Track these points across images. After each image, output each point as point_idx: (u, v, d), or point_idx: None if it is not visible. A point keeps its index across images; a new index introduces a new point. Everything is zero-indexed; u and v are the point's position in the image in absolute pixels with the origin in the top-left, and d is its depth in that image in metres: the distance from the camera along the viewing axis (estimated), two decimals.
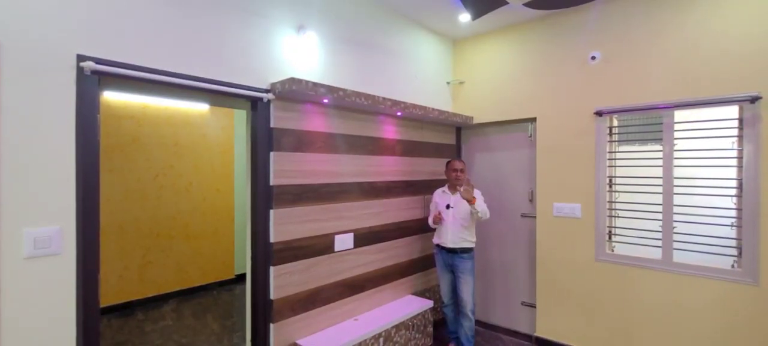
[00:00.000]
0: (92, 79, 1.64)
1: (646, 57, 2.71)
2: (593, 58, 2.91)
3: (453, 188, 2.99)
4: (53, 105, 1.56)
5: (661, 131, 2.67)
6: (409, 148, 3.25)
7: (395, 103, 2.74)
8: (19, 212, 1.49)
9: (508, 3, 2.78)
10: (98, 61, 1.63)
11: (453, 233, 2.92)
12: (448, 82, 3.73)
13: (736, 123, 2.44)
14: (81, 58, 1.60)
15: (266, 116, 2.26)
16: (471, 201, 2.74)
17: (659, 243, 2.68)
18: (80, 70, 1.60)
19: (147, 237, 4.17)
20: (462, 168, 2.96)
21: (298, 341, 2.37)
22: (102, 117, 1.77)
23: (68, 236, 1.61)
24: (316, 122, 2.52)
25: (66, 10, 1.59)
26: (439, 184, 3.34)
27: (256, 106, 2.24)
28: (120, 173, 3.96)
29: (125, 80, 1.77)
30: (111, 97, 3.83)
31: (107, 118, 3.81)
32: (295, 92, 2.21)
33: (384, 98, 2.66)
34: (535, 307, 3.28)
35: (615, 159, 2.90)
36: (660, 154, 2.67)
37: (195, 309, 4.09)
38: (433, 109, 3.09)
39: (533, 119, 3.29)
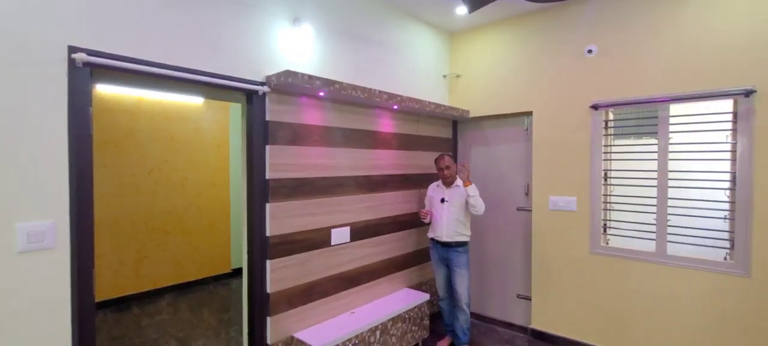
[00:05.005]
0: (84, 72, 1.62)
1: (641, 51, 2.71)
2: (589, 51, 2.91)
3: (447, 183, 2.99)
4: (44, 98, 1.54)
5: (656, 125, 2.69)
6: (406, 142, 3.24)
7: (391, 96, 2.73)
8: (10, 206, 1.48)
9: None
10: (90, 52, 1.61)
11: (448, 228, 2.92)
12: (444, 76, 3.72)
13: (730, 117, 2.46)
14: (72, 49, 1.58)
15: (262, 109, 2.25)
16: (466, 183, 2.84)
17: (653, 236, 2.70)
18: (72, 62, 1.58)
19: (142, 232, 4.15)
20: (448, 165, 2.93)
21: (295, 335, 2.38)
22: (96, 111, 1.74)
23: (62, 231, 1.59)
24: (311, 115, 2.51)
25: (57, 0, 1.56)
26: (435, 177, 3.34)
27: (252, 99, 2.22)
28: (114, 167, 3.93)
29: (118, 73, 1.74)
30: (105, 90, 3.78)
31: (101, 112, 3.77)
32: (290, 85, 2.19)
33: (380, 91, 2.65)
34: (530, 299, 3.31)
35: (610, 153, 2.91)
36: (655, 148, 2.69)
37: (191, 303, 4.09)
38: (429, 102, 3.08)
39: (529, 113, 3.29)
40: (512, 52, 3.36)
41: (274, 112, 2.29)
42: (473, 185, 2.89)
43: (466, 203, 2.88)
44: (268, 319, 2.29)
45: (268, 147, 2.27)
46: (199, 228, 4.63)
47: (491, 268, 3.61)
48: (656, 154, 2.68)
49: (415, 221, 3.32)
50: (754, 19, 2.33)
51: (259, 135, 2.24)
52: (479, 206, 2.84)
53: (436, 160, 3.02)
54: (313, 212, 2.50)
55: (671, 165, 2.64)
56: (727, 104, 2.49)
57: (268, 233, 2.27)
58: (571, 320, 3.07)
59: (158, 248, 4.28)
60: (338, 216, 2.67)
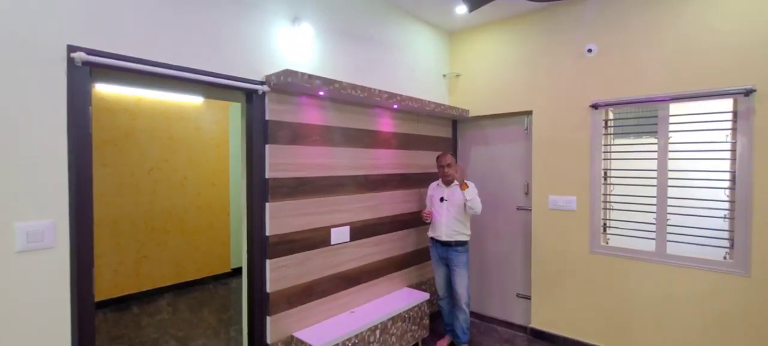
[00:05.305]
0: (83, 71, 1.62)
1: (641, 50, 2.71)
2: (589, 50, 2.91)
3: (447, 181, 2.99)
4: (43, 97, 1.54)
5: (656, 124, 2.69)
6: (405, 142, 3.24)
7: (391, 95, 2.73)
8: (10, 206, 1.47)
9: None
10: (90, 52, 1.60)
11: (447, 226, 2.92)
12: (444, 75, 3.72)
13: (730, 116, 2.46)
14: (72, 48, 1.57)
15: (261, 109, 2.25)
16: (462, 186, 2.81)
17: (653, 235, 2.70)
18: (71, 61, 1.58)
19: (142, 231, 4.15)
20: (449, 163, 2.94)
21: (295, 334, 2.38)
22: (95, 111, 1.74)
23: (62, 230, 1.59)
24: (311, 115, 2.50)
25: None
26: (434, 177, 3.34)
27: (251, 98, 2.22)
28: (114, 166, 3.93)
29: (117, 72, 1.74)
30: (104, 90, 3.78)
31: (101, 112, 3.77)
32: (290, 84, 2.19)
33: (380, 91, 2.65)
34: (530, 299, 3.31)
35: (610, 152, 2.91)
36: (655, 147, 2.69)
37: (191, 303, 4.08)
38: (429, 102, 3.08)
39: (529, 112, 3.29)
40: (512, 51, 3.35)
41: (274, 111, 2.29)
42: (470, 189, 2.85)
43: (465, 204, 2.87)
44: (268, 318, 2.29)
45: (267, 146, 2.27)
46: (198, 228, 4.62)
47: (491, 267, 3.61)
48: (656, 153, 2.68)
49: (414, 221, 3.32)
50: (753, 18, 2.33)
51: (258, 134, 2.24)
52: (476, 207, 2.84)
53: (438, 158, 3.02)
54: (312, 211, 2.50)
55: (671, 164, 2.64)
56: (727, 103, 2.49)
57: (267, 233, 2.27)
58: (570, 319, 3.07)
59: (158, 248, 4.28)
60: (338, 216, 2.67)
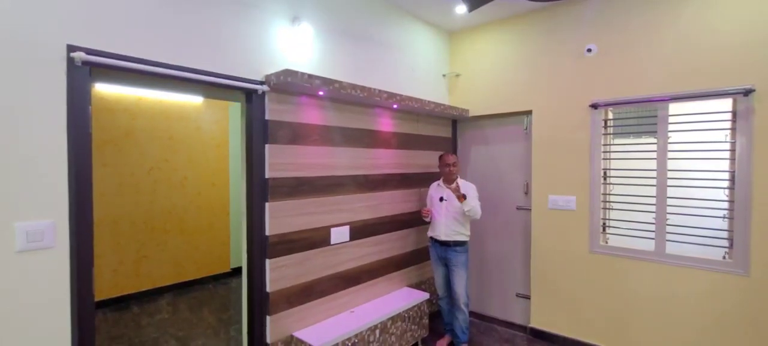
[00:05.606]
0: (83, 70, 1.62)
1: (641, 50, 2.71)
2: (589, 50, 2.91)
3: (447, 182, 3.00)
4: (43, 97, 1.54)
5: (656, 124, 2.69)
6: (405, 141, 3.24)
7: (391, 95, 2.73)
8: (9, 205, 1.48)
9: None
10: (89, 51, 1.61)
11: (446, 226, 2.93)
12: (444, 75, 3.72)
13: (729, 116, 2.46)
14: (71, 48, 1.58)
15: (261, 109, 2.25)
16: (460, 199, 2.79)
17: (652, 235, 2.70)
18: (71, 61, 1.58)
19: (142, 231, 4.15)
20: (454, 162, 2.95)
21: (295, 334, 2.38)
22: (95, 110, 1.75)
23: (61, 230, 1.59)
24: (311, 115, 2.51)
25: None
26: (434, 177, 3.34)
27: (251, 98, 2.22)
28: (114, 166, 3.93)
29: (117, 72, 1.74)
30: (104, 90, 3.78)
31: (101, 112, 3.77)
32: (290, 84, 2.19)
33: (380, 91, 2.65)
34: (529, 298, 3.31)
35: (610, 152, 2.91)
36: (654, 147, 2.69)
37: (191, 303, 4.09)
38: (428, 101, 3.08)
39: (529, 112, 3.29)
40: (512, 51, 3.36)
41: (274, 111, 2.29)
42: (468, 199, 2.83)
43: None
44: (268, 318, 2.29)
45: (267, 146, 2.27)
46: (198, 228, 4.63)
47: (491, 267, 3.62)
48: (655, 153, 2.68)
49: (413, 220, 3.32)
50: (753, 18, 2.33)
51: (258, 134, 2.24)
52: (475, 215, 2.85)
53: (441, 157, 3.02)
54: (312, 211, 2.50)
55: (670, 164, 2.64)
56: (727, 103, 2.49)
57: (267, 233, 2.27)
58: (570, 319, 3.07)
59: (158, 248, 4.28)
60: (338, 215, 2.67)
